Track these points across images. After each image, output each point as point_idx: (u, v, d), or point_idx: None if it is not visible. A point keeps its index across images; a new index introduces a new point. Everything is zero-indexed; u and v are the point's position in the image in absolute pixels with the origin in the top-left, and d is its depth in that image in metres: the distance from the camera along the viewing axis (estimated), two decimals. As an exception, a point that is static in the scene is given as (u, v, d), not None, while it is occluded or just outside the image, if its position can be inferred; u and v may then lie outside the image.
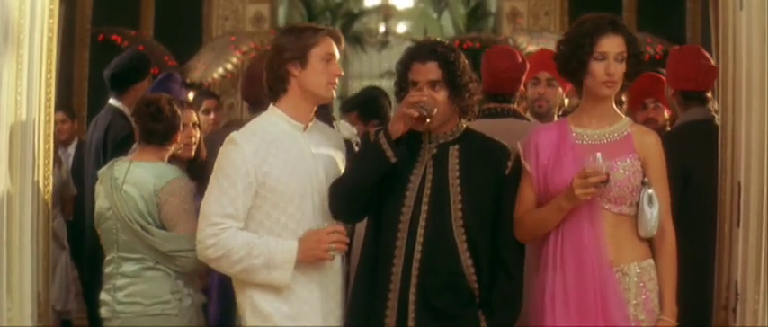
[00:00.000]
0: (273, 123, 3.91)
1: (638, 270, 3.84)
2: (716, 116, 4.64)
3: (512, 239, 3.93)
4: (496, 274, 3.91)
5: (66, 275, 7.34)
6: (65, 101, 10.30)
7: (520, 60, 4.99)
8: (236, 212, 3.81)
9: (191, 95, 7.44)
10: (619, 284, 3.81)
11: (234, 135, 3.88)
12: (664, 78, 5.26)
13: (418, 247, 3.87)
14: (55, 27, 4.27)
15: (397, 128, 3.82)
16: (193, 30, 12.80)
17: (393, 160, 3.83)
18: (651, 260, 3.87)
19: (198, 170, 4.80)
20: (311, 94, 3.91)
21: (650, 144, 3.90)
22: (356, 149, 4.39)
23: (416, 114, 3.78)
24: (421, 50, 3.94)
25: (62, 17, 10.20)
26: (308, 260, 3.82)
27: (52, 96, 4.32)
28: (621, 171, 3.81)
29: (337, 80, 3.92)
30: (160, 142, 4.47)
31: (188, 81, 11.59)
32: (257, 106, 4.73)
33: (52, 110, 4.36)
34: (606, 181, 3.69)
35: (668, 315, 3.82)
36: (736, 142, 4.06)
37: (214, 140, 4.78)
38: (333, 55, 3.90)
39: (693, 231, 4.31)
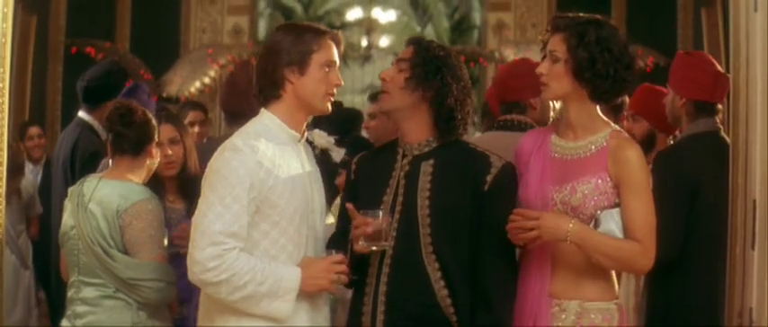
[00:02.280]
0: (271, 130, 3.49)
1: (578, 310, 3.49)
2: (722, 128, 4.37)
3: (494, 264, 3.52)
4: (476, 305, 3.51)
5: (29, 296, 7.09)
6: (38, 114, 10.10)
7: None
8: (240, 230, 3.35)
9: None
10: (553, 319, 3.50)
11: (235, 141, 3.42)
12: (653, 89, 4.98)
13: (384, 279, 3.53)
14: (8, 31, 3.94)
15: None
16: (170, 42, 12.63)
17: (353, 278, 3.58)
18: (601, 304, 3.51)
19: (188, 189, 4.44)
20: (307, 104, 3.52)
21: (627, 160, 3.50)
22: (334, 158, 4.11)
23: (366, 250, 3.51)
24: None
25: (36, 28, 10.06)
26: (312, 290, 3.44)
27: (6, 106, 4.00)
28: (579, 195, 3.48)
29: (335, 91, 3.56)
30: (133, 151, 4.14)
31: (164, 95, 11.41)
32: (237, 118, 4.42)
33: (6, 121, 4.04)
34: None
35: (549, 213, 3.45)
36: (750, 156, 3.73)
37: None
38: (334, 62, 3.54)
39: (702, 252, 4.06)
